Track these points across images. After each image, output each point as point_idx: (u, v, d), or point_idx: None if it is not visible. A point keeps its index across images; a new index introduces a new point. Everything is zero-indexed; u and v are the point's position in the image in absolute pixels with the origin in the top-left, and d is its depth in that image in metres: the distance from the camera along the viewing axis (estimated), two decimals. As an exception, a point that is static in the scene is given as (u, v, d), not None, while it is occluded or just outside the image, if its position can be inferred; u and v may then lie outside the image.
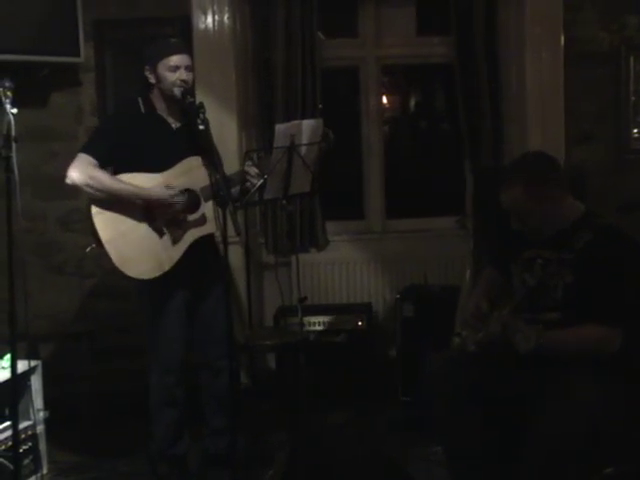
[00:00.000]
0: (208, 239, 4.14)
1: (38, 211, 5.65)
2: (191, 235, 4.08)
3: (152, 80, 4.09)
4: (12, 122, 3.34)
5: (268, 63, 5.66)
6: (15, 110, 3.35)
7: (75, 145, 5.41)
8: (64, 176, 3.96)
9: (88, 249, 4.00)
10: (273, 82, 5.63)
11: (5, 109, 3.34)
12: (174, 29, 5.44)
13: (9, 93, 3.36)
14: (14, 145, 3.34)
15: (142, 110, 4.14)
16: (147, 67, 4.09)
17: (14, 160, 3.35)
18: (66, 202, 5.61)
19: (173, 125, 4.15)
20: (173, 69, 4.03)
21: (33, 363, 4.35)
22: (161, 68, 4.03)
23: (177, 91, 4.01)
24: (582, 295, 3.28)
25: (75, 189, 4.00)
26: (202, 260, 4.14)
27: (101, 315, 5.74)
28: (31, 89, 5.12)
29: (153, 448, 4.34)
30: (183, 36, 5.28)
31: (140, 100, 4.15)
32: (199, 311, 4.27)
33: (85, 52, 5.33)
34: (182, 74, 4.03)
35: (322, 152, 4.32)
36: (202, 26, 5.48)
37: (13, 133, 3.33)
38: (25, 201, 3.49)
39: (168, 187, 3.98)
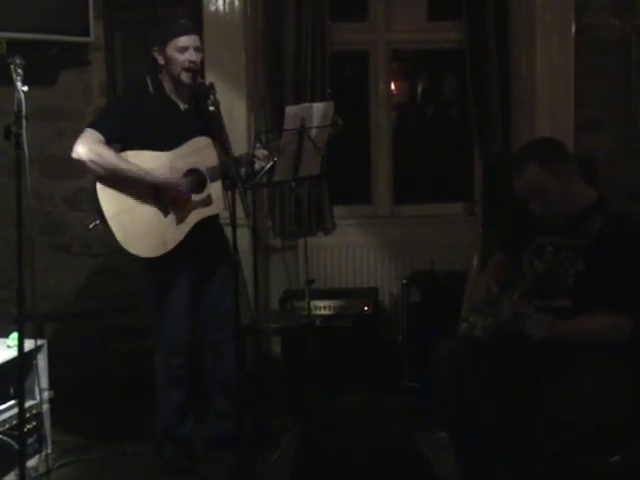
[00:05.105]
0: (214, 220, 4.12)
1: (45, 190, 5.64)
2: (196, 215, 4.08)
3: (161, 61, 4.08)
4: (23, 99, 3.33)
5: (278, 46, 5.65)
6: (26, 88, 3.34)
7: (83, 125, 5.39)
8: (71, 153, 3.97)
9: (91, 225, 4.00)
10: (283, 65, 5.63)
11: (16, 86, 3.33)
12: (184, 10, 5.43)
13: (20, 70, 3.35)
14: (24, 123, 3.33)
15: (150, 90, 4.14)
16: (156, 48, 4.08)
17: (24, 138, 3.34)
18: (73, 182, 5.61)
19: (181, 106, 4.15)
20: (182, 50, 4.02)
21: (39, 342, 4.35)
22: (170, 49, 4.03)
23: (184, 76, 4.02)
24: (593, 282, 3.27)
25: (82, 168, 4.00)
26: (208, 241, 4.13)
27: (107, 295, 5.74)
28: (40, 68, 5.08)
29: (158, 429, 4.35)
30: (193, 17, 5.26)
31: (149, 80, 4.15)
32: (205, 292, 4.29)
33: (95, 31, 5.30)
34: (191, 55, 4.02)
35: (330, 137, 4.32)
36: (212, 8, 5.46)
37: (24, 110, 3.32)
38: (32, 180, 3.47)
39: (172, 169, 3.99)
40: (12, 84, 3.34)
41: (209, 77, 4.36)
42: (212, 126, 3.96)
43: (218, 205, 4.08)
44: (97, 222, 3.97)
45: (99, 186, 3.96)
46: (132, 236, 3.97)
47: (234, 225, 3.79)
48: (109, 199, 3.96)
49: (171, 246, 4.03)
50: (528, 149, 3.49)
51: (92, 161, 3.92)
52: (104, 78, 5.61)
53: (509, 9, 5.65)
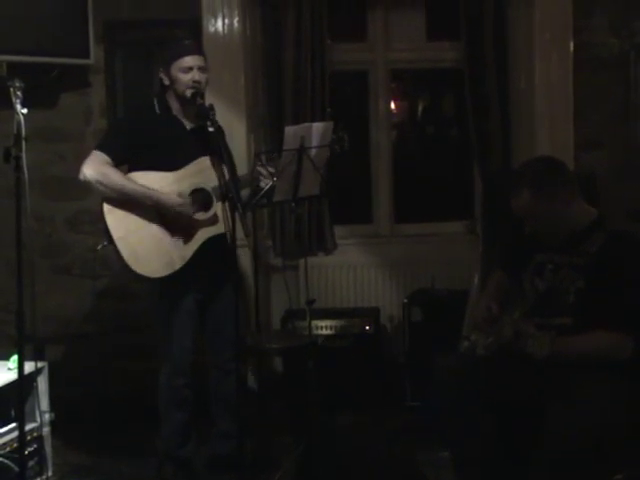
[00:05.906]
0: (221, 239, 4.12)
1: (46, 212, 5.64)
2: (203, 234, 4.08)
3: (166, 82, 4.12)
4: (22, 122, 3.34)
5: (278, 65, 5.66)
6: (25, 110, 3.35)
7: (83, 147, 5.44)
8: (74, 176, 3.99)
9: (99, 247, 4.02)
10: (282, 85, 5.63)
11: (15, 109, 3.34)
12: (184, 31, 5.45)
13: (19, 93, 3.36)
14: (24, 145, 3.34)
15: (157, 110, 4.17)
16: (161, 69, 4.13)
17: (24, 160, 3.35)
18: (74, 203, 5.61)
19: (187, 126, 4.16)
20: (186, 70, 4.05)
21: (40, 364, 4.33)
22: (174, 69, 4.06)
23: (189, 92, 4.03)
24: (594, 300, 3.26)
25: (84, 190, 4.06)
26: (215, 260, 4.13)
27: (108, 316, 5.72)
28: (41, 90, 5.12)
29: (160, 449, 4.34)
30: (193, 38, 5.26)
31: (156, 101, 4.18)
32: (211, 312, 4.28)
33: (95, 54, 5.33)
34: (195, 75, 4.05)
35: (335, 154, 4.32)
36: (212, 29, 5.48)
37: (23, 133, 3.33)
38: (33, 202, 3.48)
39: (180, 195, 3.99)
40: (12, 107, 3.36)
41: (208, 98, 4.36)
42: (212, 146, 3.97)
43: (225, 224, 4.08)
44: (105, 243, 3.99)
45: (106, 207, 3.98)
46: (140, 257, 3.98)
47: (234, 245, 3.80)
48: (116, 220, 3.98)
49: (178, 266, 4.03)
50: (525, 172, 3.47)
51: (98, 182, 3.95)
52: (104, 100, 5.62)
53: (507, 28, 5.66)
